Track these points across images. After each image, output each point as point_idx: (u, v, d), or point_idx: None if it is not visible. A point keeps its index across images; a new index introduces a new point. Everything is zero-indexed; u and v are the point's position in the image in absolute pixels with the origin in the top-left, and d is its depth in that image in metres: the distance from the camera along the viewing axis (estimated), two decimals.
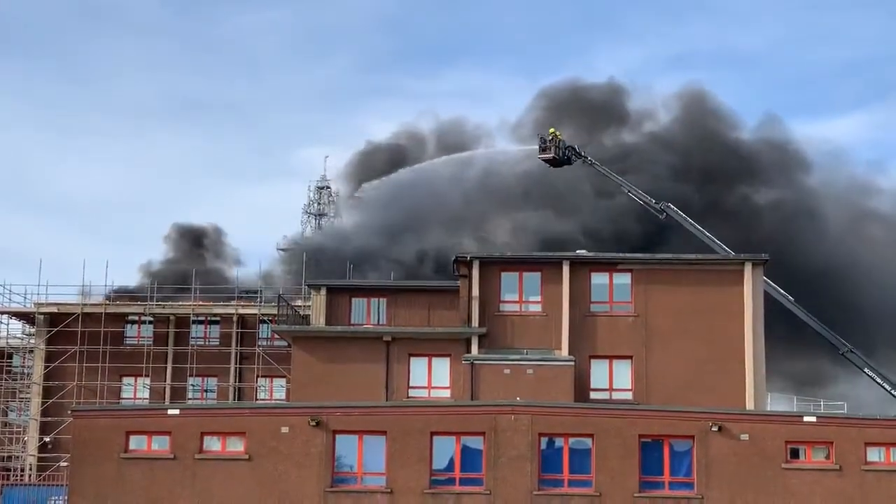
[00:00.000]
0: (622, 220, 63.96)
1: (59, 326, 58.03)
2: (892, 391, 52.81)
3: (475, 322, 45.46)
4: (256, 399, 57.08)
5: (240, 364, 58.13)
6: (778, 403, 53.76)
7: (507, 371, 43.78)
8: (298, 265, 61.19)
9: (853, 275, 66.73)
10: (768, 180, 72.00)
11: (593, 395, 44.58)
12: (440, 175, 73.34)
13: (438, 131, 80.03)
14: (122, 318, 59.07)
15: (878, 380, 53.22)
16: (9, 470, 55.74)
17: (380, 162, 77.53)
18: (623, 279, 45.86)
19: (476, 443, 36.63)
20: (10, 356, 62.40)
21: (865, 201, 75.31)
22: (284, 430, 36.66)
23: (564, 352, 44.82)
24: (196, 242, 79.03)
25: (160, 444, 37.16)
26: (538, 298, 45.95)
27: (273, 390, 57.56)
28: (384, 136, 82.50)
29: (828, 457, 36.24)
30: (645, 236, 62.51)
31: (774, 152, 74.18)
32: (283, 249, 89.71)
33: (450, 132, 79.14)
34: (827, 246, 67.56)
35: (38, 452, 57.10)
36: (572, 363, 44.10)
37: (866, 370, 53.40)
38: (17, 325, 62.12)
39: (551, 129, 62.27)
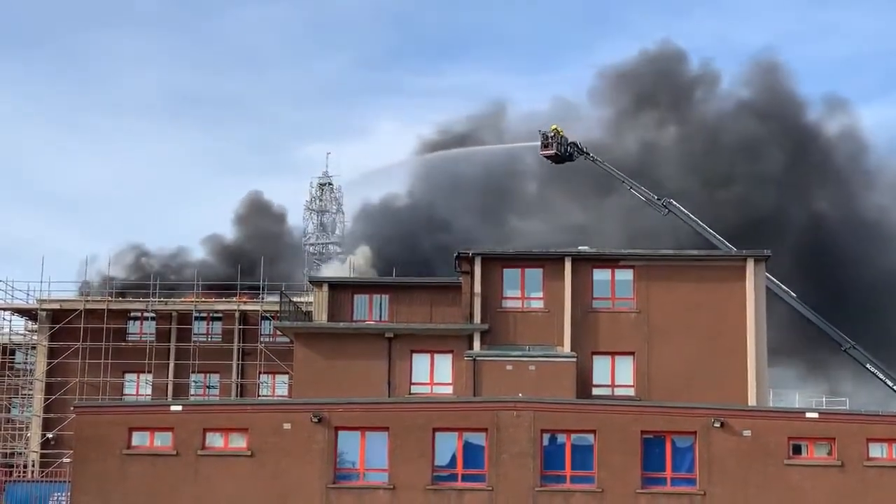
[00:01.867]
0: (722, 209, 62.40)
1: (62, 323, 58.05)
2: (895, 387, 52.81)
3: (477, 318, 45.44)
4: (258, 395, 57.09)
5: (242, 360, 58.10)
6: (780, 399, 53.75)
7: (509, 367, 43.74)
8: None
9: None
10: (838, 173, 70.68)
11: (595, 392, 44.52)
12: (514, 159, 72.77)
13: (497, 122, 79.34)
14: (124, 315, 59.09)
15: (881, 376, 53.23)
16: (11, 466, 55.86)
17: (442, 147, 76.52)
18: (625, 275, 45.80)
19: (478, 439, 36.60)
20: (12, 353, 62.48)
21: None
22: (286, 426, 36.65)
23: (566, 348, 44.80)
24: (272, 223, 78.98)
25: (163, 441, 37.15)
26: (540, 295, 45.92)
27: (275, 386, 57.53)
28: (455, 126, 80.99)
29: (830, 453, 36.19)
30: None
31: (846, 144, 72.69)
32: (300, 244, 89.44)
33: (512, 123, 78.26)
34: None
35: (41, 449, 57.16)
36: (574, 359, 44.06)
37: (869, 366, 53.40)
38: (19, 322, 62.34)
39: (553, 126, 62.17)
